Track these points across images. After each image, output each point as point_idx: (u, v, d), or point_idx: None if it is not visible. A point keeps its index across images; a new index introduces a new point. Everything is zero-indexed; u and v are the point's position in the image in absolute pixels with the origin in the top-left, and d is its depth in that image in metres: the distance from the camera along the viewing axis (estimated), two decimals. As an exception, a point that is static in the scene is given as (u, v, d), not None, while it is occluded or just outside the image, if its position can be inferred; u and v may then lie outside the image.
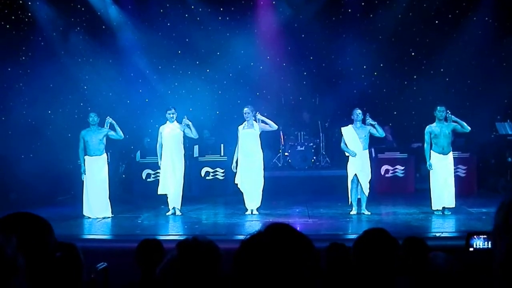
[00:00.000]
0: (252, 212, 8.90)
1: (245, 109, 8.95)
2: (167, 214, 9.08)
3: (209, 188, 11.24)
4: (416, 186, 11.03)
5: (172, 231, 8.10)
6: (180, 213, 9.04)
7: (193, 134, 9.12)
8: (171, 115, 9.08)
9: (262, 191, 9.00)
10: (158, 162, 9.26)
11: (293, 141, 13.25)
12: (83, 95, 11.96)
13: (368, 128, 8.84)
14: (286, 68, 13.25)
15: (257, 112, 9.01)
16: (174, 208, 9.05)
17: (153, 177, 11.57)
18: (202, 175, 11.47)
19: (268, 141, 13.17)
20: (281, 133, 13.27)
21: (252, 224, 8.28)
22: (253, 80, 12.92)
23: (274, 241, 1.54)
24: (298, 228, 1.63)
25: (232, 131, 9.44)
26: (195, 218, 8.93)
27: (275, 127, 8.97)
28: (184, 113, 9.24)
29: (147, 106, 12.53)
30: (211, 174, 11.47)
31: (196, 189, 11.26)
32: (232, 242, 6.13)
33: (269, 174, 12.14)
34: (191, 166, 11.04)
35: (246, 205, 8.94)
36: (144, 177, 11.56)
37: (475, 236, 4.08)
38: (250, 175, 8.83)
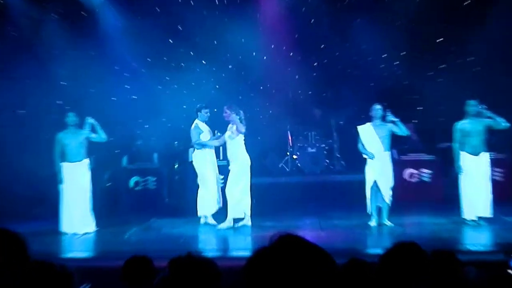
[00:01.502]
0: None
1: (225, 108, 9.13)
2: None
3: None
4: (445, 192, 11.06)
5: (165, 247, 8.10)
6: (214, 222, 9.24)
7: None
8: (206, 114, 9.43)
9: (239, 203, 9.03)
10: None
11: (302, 142, 13.30)
12: (60, 92, 11.92)
13: (388, 126, 8.88)
14: (294, 59, 13.28)
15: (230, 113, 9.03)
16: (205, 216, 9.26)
17: (142, 185, 11.72)
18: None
19: (274, 142, 13.30)
20: (289, 133, 13.39)
21: (255, 237, 8.41)
22: (256, 72, 13.04)
23: (286, 255, 1.52)
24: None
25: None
26: (190, 232, 9.04)
27: (239, 130, 8.94)
28: (181, 112, 9.48)
29: (135, 104, 12.66)
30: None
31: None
32: (233, 260, 6.13)
33: (275, 180, 12.41)
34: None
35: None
36: (132, 186, 11.71)
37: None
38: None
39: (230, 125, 9.05)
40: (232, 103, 9.27)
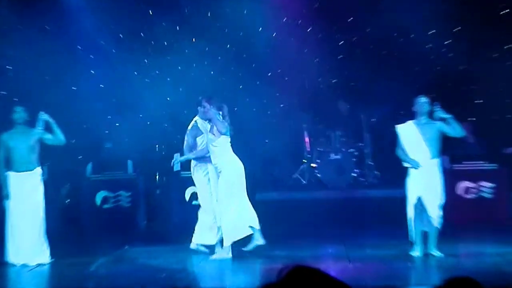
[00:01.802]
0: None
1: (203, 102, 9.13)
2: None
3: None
4: (512, 213, 11.14)
5: (142, 284, 8.14)
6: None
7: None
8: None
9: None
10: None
11: (323, 146, 13.28)
12: (5, 80, 11.92)
13: (438, 125, 8.87)
14: (312, 36, 13.23)
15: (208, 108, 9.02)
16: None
17: (112, 203, 11.81)
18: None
19: (286, 146, 13.26)
20: (305, 134, 13.34)
21: (262, 271, 8.47)
22: (262, 54, 12.99)
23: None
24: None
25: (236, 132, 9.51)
26: (174, 264, 9.04)
27: (220, 130, 8.95)
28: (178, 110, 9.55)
29: (103, 95, 12.65)
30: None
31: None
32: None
33: (288, 196, 12.44)
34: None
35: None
36: (99, 203, 11.81)
37: None
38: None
39: (208, 125, 9.14)
40: (212, 94, 9.32)
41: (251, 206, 9.08)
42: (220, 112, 8.98)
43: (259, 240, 9.04)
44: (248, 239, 9.10)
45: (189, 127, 9.49)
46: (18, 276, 8.65)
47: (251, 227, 9.01)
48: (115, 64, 12.80)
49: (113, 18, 12.51)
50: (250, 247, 9.06)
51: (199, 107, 9.21)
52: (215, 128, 8.95)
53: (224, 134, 8.92)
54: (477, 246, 9.49)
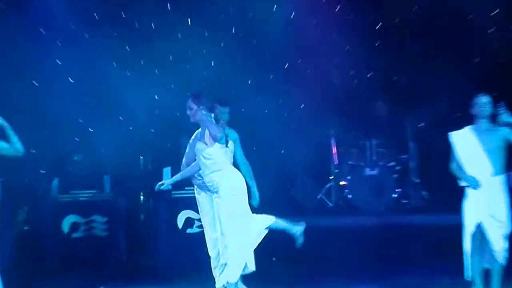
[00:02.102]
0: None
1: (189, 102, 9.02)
2: None
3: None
4: None
5: None
6: None
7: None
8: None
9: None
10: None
11: (356, 159, 13.38)
12: None
13: (503, 132, 8.77)
14: (341, 17, 13.33)
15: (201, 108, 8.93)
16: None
17: (84, 230, 11.82)
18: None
19: (307, 159, 13.25)
20: (333, 143, 13.47)
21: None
22: (277, 40, 13.09)
23: None
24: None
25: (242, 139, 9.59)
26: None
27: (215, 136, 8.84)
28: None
29: (72, 92, 12.70)
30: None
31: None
32: None
33: (310, 222, 11.50)
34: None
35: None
36: (67, 231, 11.83)
37: None
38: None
39: (198, 131, 9.08)
40: (201, 92, 9.12)
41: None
42: (212, 114, 8.89)
43: (252, 266, 8.83)
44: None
45: (193, 137, 9.36)
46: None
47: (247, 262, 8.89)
48: (88, 53, 12.84)
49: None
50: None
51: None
52: (206, 134, 8.81)
53: (219, 142, 8.81)
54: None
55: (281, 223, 8.95)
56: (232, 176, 8.87)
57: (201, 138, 8.86)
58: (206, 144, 8.77)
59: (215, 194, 8.85)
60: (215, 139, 8.71)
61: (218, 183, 8.78)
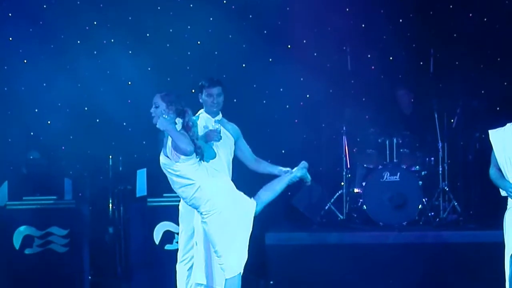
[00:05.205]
0: None
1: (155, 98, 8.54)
2: None
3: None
4: None
5: None
6: None
7: None
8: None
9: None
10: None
11: (373, 161, 12.99)
12: None
13: None
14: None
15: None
16: None
17: (40, 246, 11.40)
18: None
19: (313, 160, 12.45)
20: (345, 141, 13.01)
21: None
22: (278, 15, 13.24)
23: None
24: None
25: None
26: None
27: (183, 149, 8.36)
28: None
29: (26, 76, 12.78)
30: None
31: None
32: None
33: (316, 238, 12.07)
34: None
35: None
36: (18, 246, 11.49)
37: None
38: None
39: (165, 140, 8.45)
40: (170, 91, 8.53)
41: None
42: (180, 120, 8.23)
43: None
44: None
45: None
46: None
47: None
48: (46, 28, 12.93)
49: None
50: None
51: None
52: (169, 145, 8.19)
53: (187, 155, 8.15)
54: None
55: (276, 186, 8.66)
56: (213, 189, 8.40)
57: (163, 150, 8.28)
58: (169, 158, 8.19)
59: (198, 213, 8.49)
60: (184, 153, 8.09)
61: (197, 198, 8.32)
